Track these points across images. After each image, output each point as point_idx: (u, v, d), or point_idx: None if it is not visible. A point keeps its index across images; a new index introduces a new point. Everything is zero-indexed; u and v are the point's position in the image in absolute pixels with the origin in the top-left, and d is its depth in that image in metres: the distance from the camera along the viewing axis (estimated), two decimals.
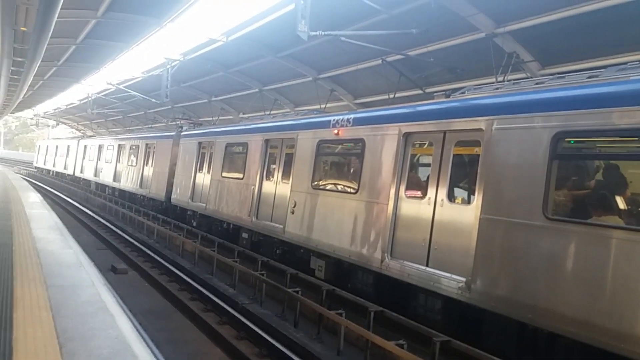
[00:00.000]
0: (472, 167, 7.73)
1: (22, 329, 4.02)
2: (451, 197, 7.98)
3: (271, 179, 13.32)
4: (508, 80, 9.77)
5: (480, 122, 7.41)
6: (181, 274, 12.18)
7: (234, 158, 15.71)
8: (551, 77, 7.69)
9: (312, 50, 16.27)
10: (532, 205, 6.49)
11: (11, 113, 49.42)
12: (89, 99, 32.22)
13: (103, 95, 31.52)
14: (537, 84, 7.51)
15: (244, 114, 25.74)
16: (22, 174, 41.42)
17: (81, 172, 35.96)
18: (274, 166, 13.34)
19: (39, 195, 18.06)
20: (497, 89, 8.08)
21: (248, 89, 22.57)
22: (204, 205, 16.70)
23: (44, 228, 9.50)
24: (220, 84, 23.47)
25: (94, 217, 22.05)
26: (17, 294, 4.91)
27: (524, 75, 12.11)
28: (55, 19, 10.33)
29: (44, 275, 5.78)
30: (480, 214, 7.10)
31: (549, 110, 6.56)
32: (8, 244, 7.36)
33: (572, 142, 6.60)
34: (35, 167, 52.96)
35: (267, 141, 13.60)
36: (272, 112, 19.88)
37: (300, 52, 16.85)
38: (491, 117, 7.27)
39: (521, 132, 6.88)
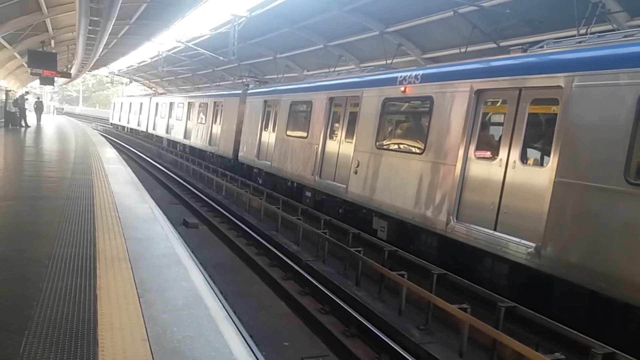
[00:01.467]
0: (548, 127, 7.31)
1: (105, 278, 4.32)
2: (524, 158, 7.62)
3: (335, 138, 13.25)
4: (592, 33, 9.01)
5: (559, 79, 6.95)
6: (248, 230, 12.61)
7: (298, 117, 15.72)
8: None
9: (380, 3, 15.71)
10: (612, 169, 6.08)
11: (88, 71, 51.80)
12: (160, 56, 33.17)
13: (173, 53, 32.28)
14: (625, 36, 6.89)
15: (308, 71, 25.59)
16: (99, 130, 43.71)
17: (154, 129, 37.27)
18: (337, 125, 13.23)
19: (114, 150, 19.08)
20: (579, 42, 7.48)
21: (313, 45, 22.31)
22: (269, 163, 16.98)
23: (121, 183, 10.07)
24: (285, 40, 23.35)
25: (167, 173, 23.06)
26: (100, 246, 5.27)
27: (610, 27, 11.15)
28: None
29: (122, 228, 6.16)
30: (555, 177, 6.75)
31: (637, 66, 6.03)
32: (90, 198, 7.88)
33: None
34: (111, 124, 55.58)
35: (331, 99, 13.46)
36: (336, 69, 19.60)
37: (368, 4, 16.32)
38: (571, 74, 6.79)
39: (604, 89, 6.38)
